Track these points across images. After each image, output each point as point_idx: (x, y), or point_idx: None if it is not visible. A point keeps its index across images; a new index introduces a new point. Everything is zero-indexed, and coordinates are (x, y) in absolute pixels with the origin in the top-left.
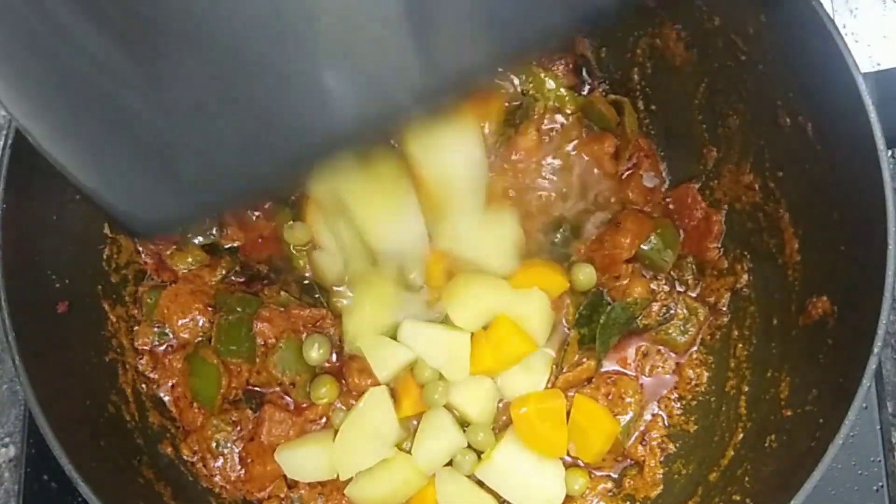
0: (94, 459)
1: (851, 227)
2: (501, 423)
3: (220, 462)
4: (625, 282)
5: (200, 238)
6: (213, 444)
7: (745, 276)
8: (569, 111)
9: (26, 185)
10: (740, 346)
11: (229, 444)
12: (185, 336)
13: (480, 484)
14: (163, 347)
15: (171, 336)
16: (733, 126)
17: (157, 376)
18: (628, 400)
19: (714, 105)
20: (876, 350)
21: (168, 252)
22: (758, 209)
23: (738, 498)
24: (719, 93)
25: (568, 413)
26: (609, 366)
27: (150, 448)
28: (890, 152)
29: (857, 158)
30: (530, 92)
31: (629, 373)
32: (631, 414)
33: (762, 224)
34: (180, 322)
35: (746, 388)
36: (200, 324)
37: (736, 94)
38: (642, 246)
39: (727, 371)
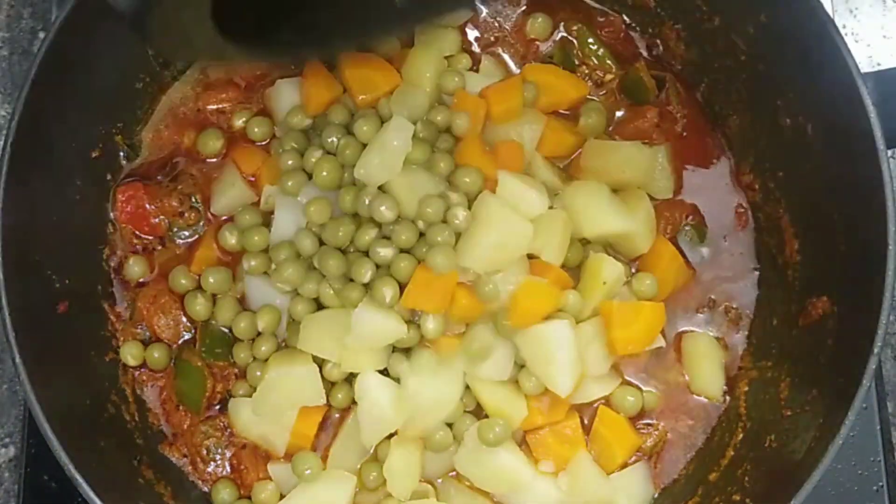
0: (94, 459)
1: (851, 227)
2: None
3: (211, 467)
4: None
5: None
6: (204, 451)
7: None
8: (609, 77)
9: (26, 184)
10: (740, 346)
11: (220, 450)
12: (166, 337)
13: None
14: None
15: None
16: (733, 126)
17: (145, 378)
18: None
19: (714, 105)
20: (876, 350)
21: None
22: (758, 209)
23: (738, 498)
24: (719, 93)
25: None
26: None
27: (150, 448)
28: (890, 152)
29: (857, 158)
30: (575, 51)
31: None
32: (657, 433)
33: (762, 224)
34: (161, 322)
35: (746, 389)
36: (181, 325)
37: (736, 94)
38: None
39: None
